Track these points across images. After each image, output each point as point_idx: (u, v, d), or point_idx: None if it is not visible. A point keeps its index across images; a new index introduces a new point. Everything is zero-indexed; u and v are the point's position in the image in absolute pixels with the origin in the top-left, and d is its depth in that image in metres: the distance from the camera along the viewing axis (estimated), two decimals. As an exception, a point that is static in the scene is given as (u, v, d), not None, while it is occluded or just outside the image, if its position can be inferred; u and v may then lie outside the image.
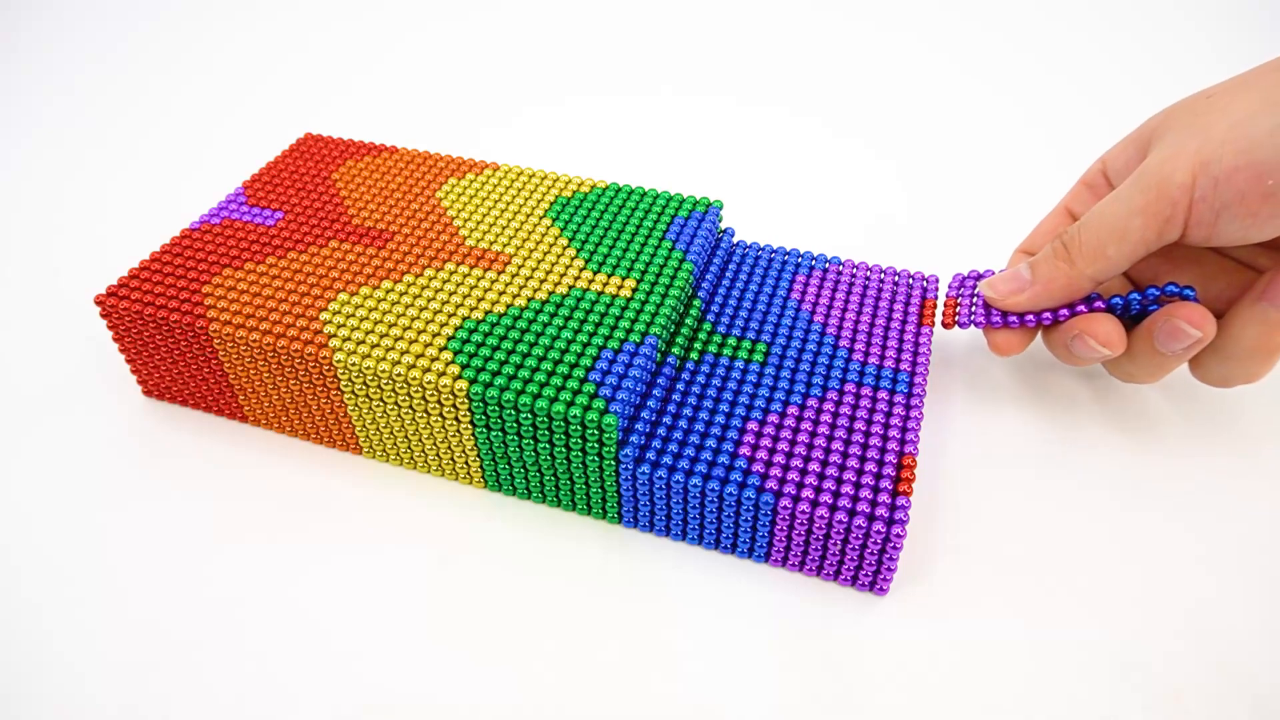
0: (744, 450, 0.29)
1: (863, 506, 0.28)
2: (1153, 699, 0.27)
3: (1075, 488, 0.33)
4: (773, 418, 0.31)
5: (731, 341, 0.34)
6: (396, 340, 0.31)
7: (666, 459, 0.29)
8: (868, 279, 0.37)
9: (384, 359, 0.30)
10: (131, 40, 0.69)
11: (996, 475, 0.34)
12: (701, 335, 0.34)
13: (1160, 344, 0.29)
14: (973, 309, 0.34)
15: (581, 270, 0.35)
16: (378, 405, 0.32)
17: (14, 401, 0.38)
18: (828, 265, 0.38)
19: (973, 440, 0.35)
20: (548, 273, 0.34)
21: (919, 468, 0.34)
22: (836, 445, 0.30)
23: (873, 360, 0.33)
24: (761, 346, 0.33)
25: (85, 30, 0.70)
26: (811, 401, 0.31)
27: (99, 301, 0.34)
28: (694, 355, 0.33)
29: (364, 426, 0.33)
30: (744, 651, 0.28)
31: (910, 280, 0.37)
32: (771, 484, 0.28)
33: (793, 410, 0.31)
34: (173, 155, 0.55)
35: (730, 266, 0.38)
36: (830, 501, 0.28)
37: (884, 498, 0.28)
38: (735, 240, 0.39)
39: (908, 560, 0.31)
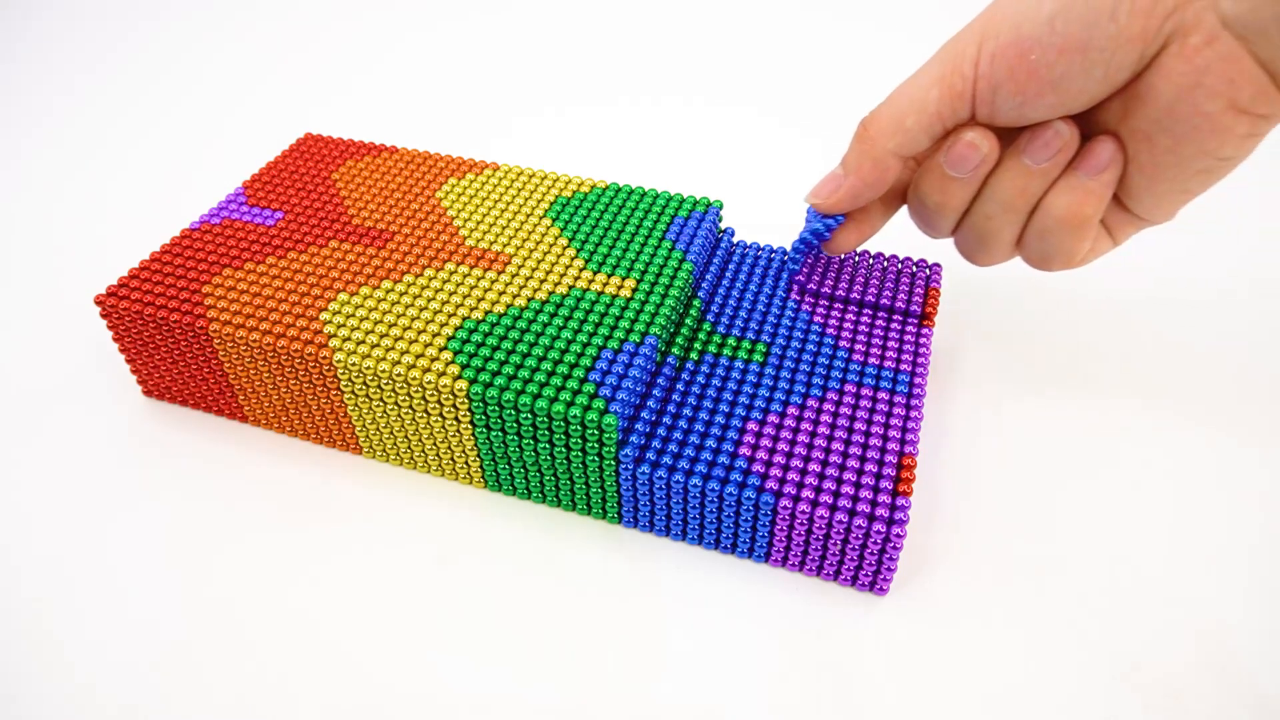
0: (744, 450, 0.29)
1: (863, 506, 0.28)
2: (1153, 699, 0.27)
3: (1075, 488, 0.33)
4: (773, 418, 0.31)
5: (731, 341, 0.34)
6: (396, 340, 0.31)
7: (666, 459, 0.29)
8: (870, 268, 0.37)
9: (384, 359, 0.30)
10: (132, 40, 0.69)
11: (996, 476, 0.34)
12: (701, 335, 0.34)
13: (950, 166, 0.28)
14: (808, 262, 0.36)
15: (581, 270, 0.35)
16: (378, 405, 0.32)
17: (14, 402, 0.38)
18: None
19: (973, 440, 0.35)
20: (548, 273, 0.34)
21: (919, 468, 0.34)
22: (836, 445, 0.30)
23: (873, 360, 0.33)
24: (761, 346, 0.33)
25: (85, 30, 0.70)
26: (811, 401, 0.31)
27: (99, 301, 0.34)
28: (694, 355, 0.33)
29: (364, 426, 0.33)
30: (744, 651, 0.28)
31: (914, 268, 0.37)
32: (771, 484, 0.28)
33: (793, 410, 0.31)
34: (173, 155, 0.55)
35: (730, 266, 0.38)
36: (830, 501, 0.28)
37: (884, 498, 0.28)
38: (735, 240, 0.39)
39: (908, 560, 0.31)
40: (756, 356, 0.33)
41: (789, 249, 0.37)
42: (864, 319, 0.35)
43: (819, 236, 0.32)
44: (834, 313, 0.35)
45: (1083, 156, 0.26)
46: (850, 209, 0.30)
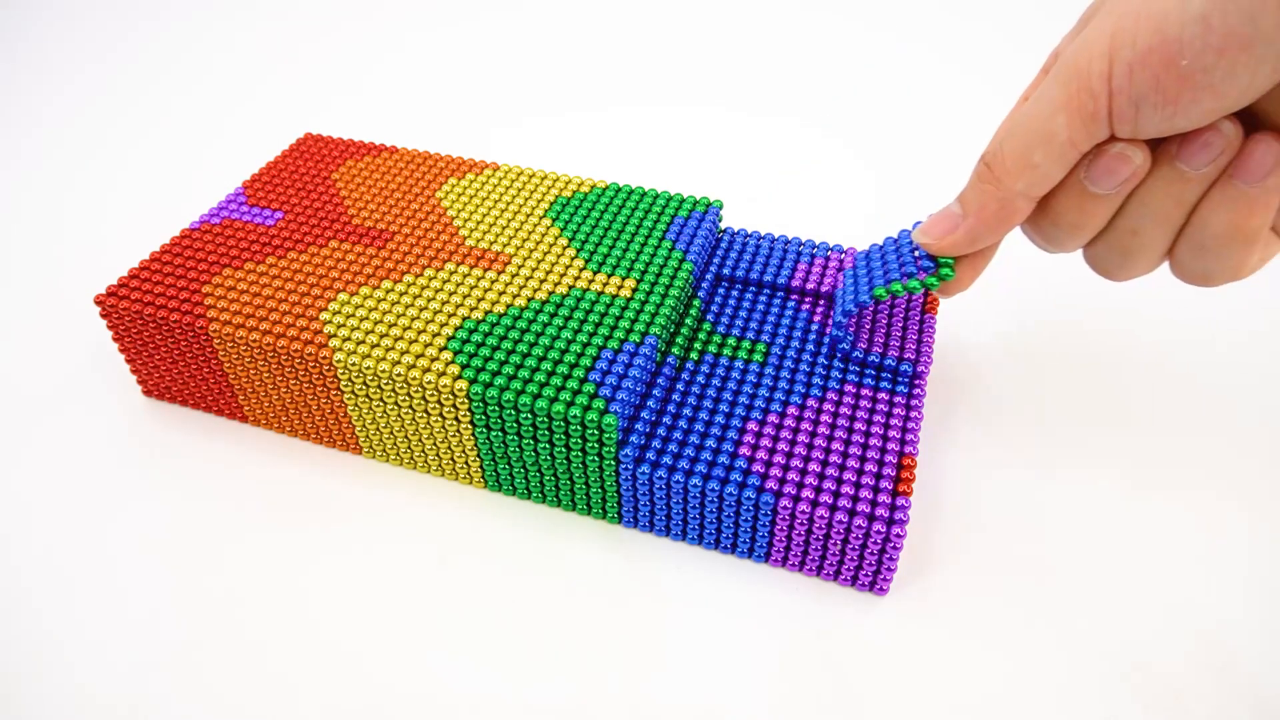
0: (744, 450, 0.29)
1: (863, 506, 0.28)
2: (1153, 699, 0.27)
3: (1075, 488, 0.33)
4: (772, 418, 0.31)
5: (731, 341, 0.34)
6: (396, 340, 0.31)
7: (666, 459, 0.29)
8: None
9: (384, 359, 0.30)
10: (132, 40, 0.69)
11: (996, 476, 0.34)
12: (701, 335, 0.34)
13: (1093, 183, 0.24)
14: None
15: (581, 270, 0.35)
16: (378, 405, 0.32)
17: (14, 402, 0.38)
18: (829, 253, 0.38)
19: (973, 440, 0.35)
20: (548, 273, 0.34)
21: (919, 468, 0.34)
22: (836, 445, 0.30)
23: (873, 360, 0.33)
24: (761, 346, 0.33)
25: (85, 30, 0.70)
26: (811, 401, 0.31)
27: (99, 301, 0.34)
28: (694, 355, 0.33)
29: (364, 426, 0.33)
30: (744, 651, 0.28)
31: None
32: (771, 484, 0.28)
33: (792, 410, 0.31)
34: (173, 155, 0.55)
35: (730, 260, 0.37)
36: (830, 501, 0.28)
37: (884, 498, 0.28)
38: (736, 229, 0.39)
39: (908, 560, 0.31)
40: (756, 356, 0.33)
41: (842, 306, 0.31)
42: (864, 317, 0.35)
43: (916, 286, 0.29)
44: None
45: (1242, 159, 0.23)
46: (967, 252, 0.28)
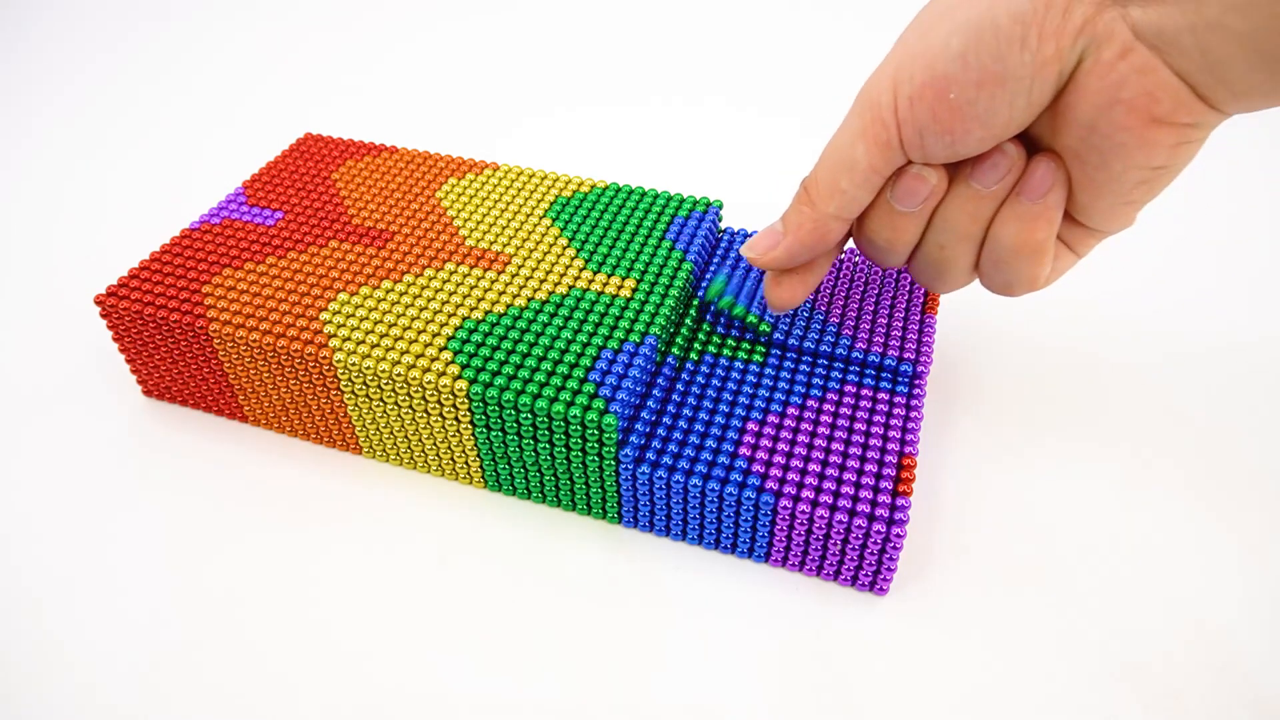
0: (744, 450, 0.29)
1: (863, 506, 0.28)
2: (1152, 699, 0.27)
3: (1075, 488, 0.33)
4: (772, 418, 0.31)
5: (731, 341, 0.34)
6: (396, 340, 0.31)
7: (666, 459, 0.29)
8: (870, 265, 0.37)
9: (384, 359, 0.30)
10: (131, 40, 0.69)
11: (996, 476, 0.34)
12: (701, 335, 0.34)
13: (898, 201, 0.26)
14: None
15: (581, 270, 0.35)
16: (378, 405, 0.32)
17: (14, 402, 0.38)
18: None
19: (973, 440, 0.35)
20: (548, 273, 0.34)
21: (919, 468, 0.34)
22: (836, 445, 0.30)
23: (873, 360, 0.33)
24: (760, 346, 0.33)
25: (85, 30, 0.70)
26: (811, 402, 0.31)
27: (99, 301, 0.34)
28: (694, 355, 0.33)
29: (364, 426, 0.33)
30: (744, 652, 0.28)
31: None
32: (771, 484, 0.28)
33: (792, 410, 0.31)
34: (172, 155, 0.55)
35: (730, 257, 0.37)
36: (830, 501, 0.28)
37: (884, 498, 0.28)
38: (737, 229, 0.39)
39: (908, 560, 0.31)
40: (756, 356, 0.33)
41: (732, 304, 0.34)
42: (864, 318, 0.35)
43: (741, 313, 0.33)
44: (834, 310, 0.35)
45: (1025, 179, 0.25)
46: (787, 267, 0.29)
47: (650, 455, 0.29)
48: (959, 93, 0.23)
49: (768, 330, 0.32)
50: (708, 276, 0.36)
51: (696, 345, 0.33)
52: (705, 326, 0.34)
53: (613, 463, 0.30)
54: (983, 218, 0.26)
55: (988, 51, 0.22)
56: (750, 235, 0.39)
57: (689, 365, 0.33)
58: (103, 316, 0.34)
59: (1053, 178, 0.24)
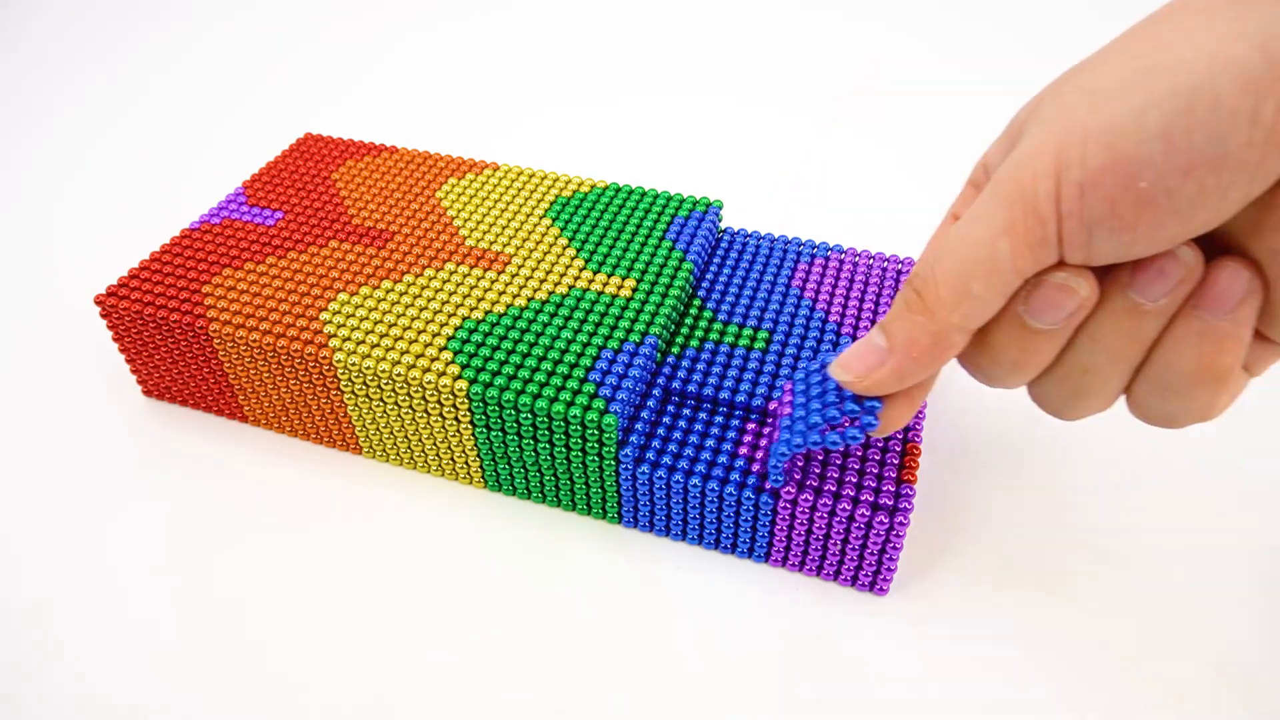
0: (744, 450, 0.29)
1: (866, 495, 0.27)
2: (1153, 699, 0.27)
3: (1074, 489, 0.33)
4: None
5: (730, 337, 0.34)
6: (396, 340, 0.31)
7: (666, 459, 0.29)
8: (869, 267, 0.37)
9: (384, 359, 0.30)
10: (131, 40, 0.69)
11: (996, 476, 0.34)
12: (699, 332, 0.34)
13: (1033, 316, 0.21)
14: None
15: (581, 270, 0.35)
16: (378, 405, 0.32)
17: (14, 401, 0.38)
18: (829, 254, 0.38)
19: (973, 441, 0.35)
20: (548, 273, 0.34)
21: (920, 468, 0.34)
22: None
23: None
24: (760, 342, 0.33)
25: (85, 30, 0.70)
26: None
27: (99, 301, 0.34)
28: (694, 344, 0.33)
29: (364, 426, 0.33)
30: (744, 652, 0.28)
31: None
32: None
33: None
34: (172, 155, 0.55)
35: (730, 259, 0.37)
36: (833, 490, 0.28)
37: (887, 485, 0.28)
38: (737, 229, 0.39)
39: (908, 560, 0.31)
40: (759, 344, 0.33)
41: (774, 454, 0.26)
42: (865, 314, 0.35)
43: (853, 436, 0.24)
44: (835, 305, 0.35)
45: (1206, 289, 0.20)
46: (894, 390, 0.24)
47: (650, 455, 0.29)
48: (1155, 181, 0.18)
49: (872, 425, 0.24)
50: (788, 427, 0.26)
51: (696, 336, 0.33)
52: (706, 315, 0.34)
53: (613, 463, 0.30)
54: (1145, 337, 0.21)
55: (1203, 131, 0.17)
56: (750, 236, 0.39)
57: (689, 352, 0.32)
58: (103, 316, 0.34)
59: (1244, 288, 0.19)
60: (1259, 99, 0.17)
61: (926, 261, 0.22)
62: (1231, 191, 0.18)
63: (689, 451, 0.29)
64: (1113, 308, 0.21)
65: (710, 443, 0.30)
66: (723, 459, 0.29)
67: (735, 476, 0.29)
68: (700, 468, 0.29)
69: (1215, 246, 0.20)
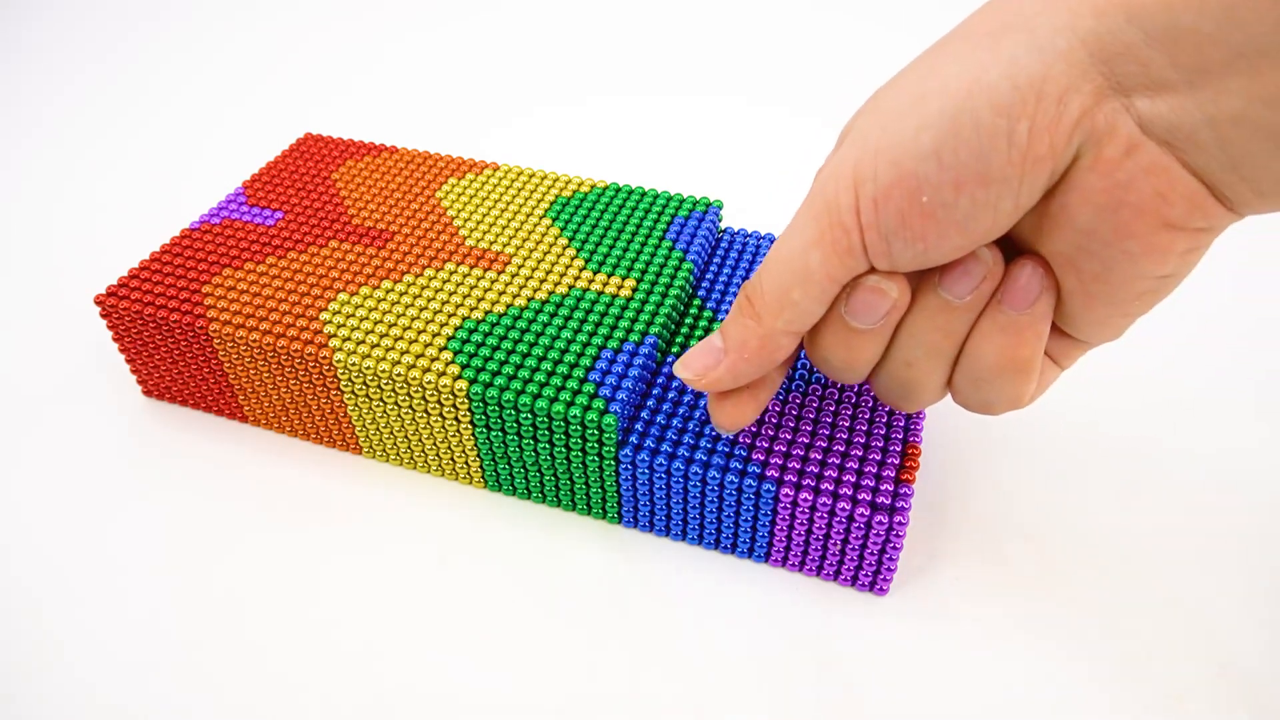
0: (744, 439, 0.29)
1: (864, 495, 0.27)
2: (1153, 699, 0.27)
3: (1074, 489, 0.33)
4: (774, 405, 0.30)
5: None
6: (396, 340, 0.31)
7: (666, 447, 0.29)
8: None
9: (384, 359, 0.30)
10: (131, 40, 0.69)
11: (996, 476, 0.34)
12: (700, 328, 0.34)
13: (853, 317, 0.23)
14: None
15: (581, 270, 0.35)
16: (378, 405, 0.32)
17: (14, 401, 0.38)
18: None
19: (973, 441, 0.35)
20: (548, 273, 0.34)
21: (920, 469, 0.34)
22: (840, 435, 0.29)
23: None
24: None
25: (84, 30, 0.70)
26: (814, 388, 0.31)
27: (99, 301, 0.34)
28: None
29: (364, 426, 0.33)
30: (744, 652, 0.28)
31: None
32: (772, 472, 0.28)
33: (794, 399, 0.31)
34: (172, 155, 0.55)
35: (730, 259, 0.37)
36: (832, 489, 0.28)
37: (886, 485, 0.28)
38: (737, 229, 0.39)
39: (908, 560, 0.31)
40: None
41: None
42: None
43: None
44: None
45: (1008, 285, 0.22)
46: (730, 388, 0.26)
47: (649, 443, 0.29)
48: (934, 195, 0.20)
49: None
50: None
51: (696, 336, 0.33)
52: (707, 314, 0.34)
53: (613, 463, 0.30)
54: (956, 332, 0.23)
55: (967, 150, 0.19)
56: (751, 236, 0.39)
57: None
58: (103, 316, 0.34)
59: (1040, 285, 0.22)
60: (1012, 121, 0.19)
61: (757, 271, 0.24)
62: (1002, 204, 0.20)
63: (688, 439, 0.29)
64: (926, 306, 0.23)
65: (710, 429, 0.30)
66: (722, 447, 0.29)
67: (735, 465, 0.29)
68: (700, 455, 0.29)
69: (1015, 248, 0.22)
